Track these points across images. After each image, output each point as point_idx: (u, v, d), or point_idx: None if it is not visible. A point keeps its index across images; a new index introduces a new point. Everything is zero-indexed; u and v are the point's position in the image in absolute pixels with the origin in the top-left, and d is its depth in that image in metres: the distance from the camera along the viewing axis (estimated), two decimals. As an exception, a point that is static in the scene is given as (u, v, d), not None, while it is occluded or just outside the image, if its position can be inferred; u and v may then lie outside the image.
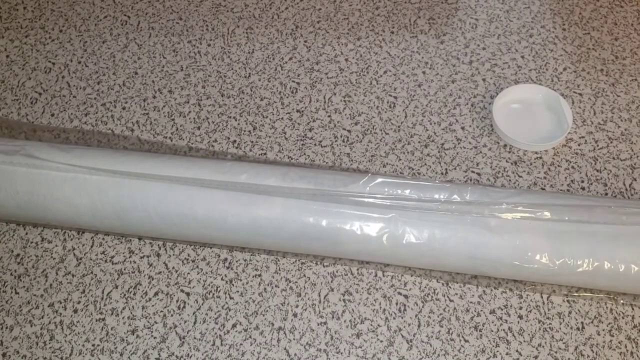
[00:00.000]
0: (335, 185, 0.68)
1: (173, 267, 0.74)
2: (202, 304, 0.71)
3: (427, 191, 0.67)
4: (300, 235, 0.67)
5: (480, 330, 0.68)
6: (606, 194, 0.77)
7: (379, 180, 0.68)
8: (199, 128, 0.86)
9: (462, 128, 0.84)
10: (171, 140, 0.85)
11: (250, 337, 0.68)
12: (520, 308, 0.69)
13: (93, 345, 0.68)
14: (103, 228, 0.73)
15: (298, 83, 0.91)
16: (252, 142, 0.84)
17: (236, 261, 0.74)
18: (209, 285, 0.72)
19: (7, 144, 0.73)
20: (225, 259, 0.74)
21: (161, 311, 0.70)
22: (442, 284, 0.71)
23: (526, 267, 0.64)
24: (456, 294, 0.70)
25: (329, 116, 0.87)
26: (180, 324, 0.69)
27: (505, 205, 0.65)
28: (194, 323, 0.69)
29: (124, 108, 0.89)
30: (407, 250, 0.66)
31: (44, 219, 0.73)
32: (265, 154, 0.83)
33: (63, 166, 0.70)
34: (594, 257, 0.63)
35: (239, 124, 0.87)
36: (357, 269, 0.72)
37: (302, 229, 0.67)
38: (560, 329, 0.67)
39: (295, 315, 0.70)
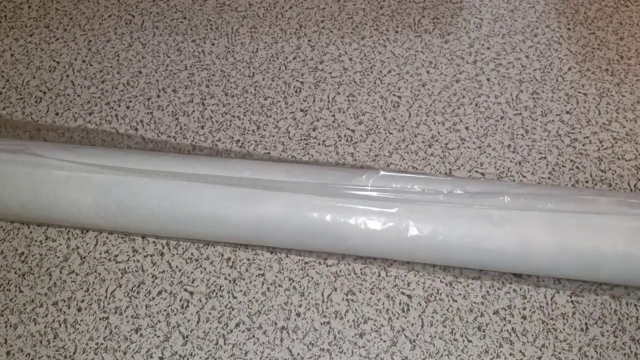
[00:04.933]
0: (339, 181, 0.68)
1: (177, 266, 0.74)
2: (206, 303, 0.71)
3: (430, 185, 0.68)
4: (304, 230, 0.67)
5: (483, 331, 0.68)
6: (611, 195, 0.77)
7: (382, 174, 0.68)
8: (202, 127, 0.86)
9: (466, 128, 0.84)
10: (175, 140, 0.85)
11: (253, 336, 0.68)
12: (524, 308, 0.69)
13: (97, 343, 0.69)
14: (107, 227, 0.73)
15: (302, 82, 0.91)
16: (255, 141, 0.84)
17: (239, 260, 0.74)
18: (212, 284, 0.72)
19: (11, 144, 0.74)
20: (229, 258, 0.74)
21: (165, 310, 0.70)
22: (446, 284, 0.71)
23: (529, 260, 0.64)
24: (459, 294, 0.70)
25: (333, 116, 0.87)
26: (183, 322, 0.70)
27: (508, 197, 0.65)
28: (197, 322, 0.70)
29: (128, 107, 0.89)
30: (411, 244, 0.66)
31: (47, 219, 0.73)
32: (269, 153, 0.83)
33: (67, 164, 0.70)
34: (598, 250, 0.63)
35: (242, 123, 0.87)
36: (361, 269, 0.72)
37: (306, 224, 0.67)
38: (564, 329, 0.67)
39: (298, 314, 0.70)
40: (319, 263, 0.73)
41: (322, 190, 0.67)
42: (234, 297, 0.71)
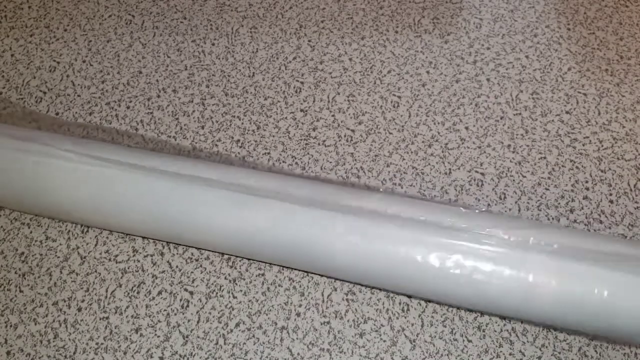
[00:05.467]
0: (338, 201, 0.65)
1: (177, 266, 0.74)
2: (206, 303, 0.71)
3: (436, 213, 0.63)
4: (294, 248, 0.65)
5: (483, 331, 0.68)
6: (610, 194, 0.77)
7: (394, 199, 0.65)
8: (202, 127, 0.86)
9: (466, 128, 0.84)
10: (175, 140, 0.85)
11: (253, 336, 0.68)
12: (524, 308, 0.69)
13: (97, 343, 0.69)
14: (106, 224, 0.72)
15: (302, 82, 0.91)
16: (255, 141, 0.84)
17: (239, 260, 0.74)
18: (212, 284, 0.72)
19: (23, 132, 0.73)
20: (229, 258, 0.74)
21: (165, 310, 0.71)
22: (446, 284, 0.71)
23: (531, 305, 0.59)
24: (459, 294, 0.70)
25: (333, 116, 0.87)
26: (183, 322, 0.70)
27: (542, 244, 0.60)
28: (198, 322, 0.70)
29: (128, 107, 0.90)
30: (405, 272, 0.62)
31: (48, 210, 0.72)
32: (268, 153, 0.83)
33: (75, 156, 0.69)
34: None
35: (242, 123, 0.87)
36: (361, 269, 0.72)
37: (298, 239, 0.64)
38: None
39: (298, 314, 0.70)
40: (319, 263, 0.73)
41: (316, 204, 0.64)
42: (234, 297, 0.71)
